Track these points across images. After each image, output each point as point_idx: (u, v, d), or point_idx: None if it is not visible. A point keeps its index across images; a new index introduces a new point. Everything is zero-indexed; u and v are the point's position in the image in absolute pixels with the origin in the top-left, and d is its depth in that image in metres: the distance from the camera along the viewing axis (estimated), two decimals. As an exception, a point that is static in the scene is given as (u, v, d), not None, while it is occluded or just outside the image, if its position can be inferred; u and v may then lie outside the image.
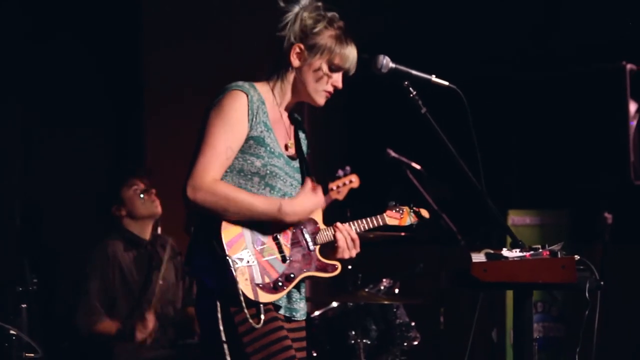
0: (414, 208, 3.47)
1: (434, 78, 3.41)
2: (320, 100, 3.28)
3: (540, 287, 3.16)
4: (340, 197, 5.26)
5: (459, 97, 3.39)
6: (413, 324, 4.89)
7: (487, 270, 3.06)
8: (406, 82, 3.37)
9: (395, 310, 4.85)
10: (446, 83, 3.41)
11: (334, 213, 5.45)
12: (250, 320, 2.99)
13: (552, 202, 6.39)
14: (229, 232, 3.05)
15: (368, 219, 3.40)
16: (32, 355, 3.09)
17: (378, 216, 3.42)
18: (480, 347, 5.51)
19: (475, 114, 5.74)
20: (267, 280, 3.07)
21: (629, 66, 5.12)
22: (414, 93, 3.38)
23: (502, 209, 6.13)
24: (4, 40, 4.81)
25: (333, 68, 3.24)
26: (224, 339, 3.01)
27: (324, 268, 3.23)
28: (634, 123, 5.17)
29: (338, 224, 3.31)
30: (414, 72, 3.38)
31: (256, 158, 3.13)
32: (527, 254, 3.12)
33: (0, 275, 3.62)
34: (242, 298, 2.97)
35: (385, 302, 4.73)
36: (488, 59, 6.45)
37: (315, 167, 6.49)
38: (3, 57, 4.83)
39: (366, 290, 4.76)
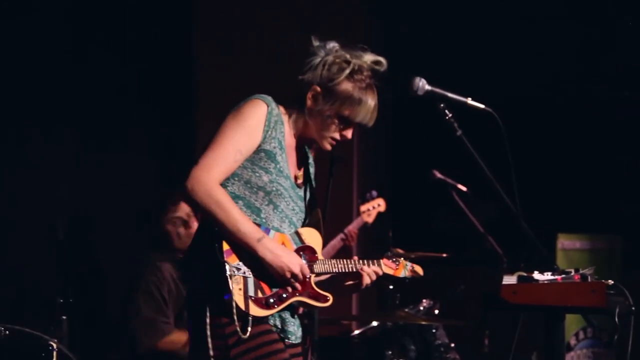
0: (411, 263, 3.45)
1: (469, 101, 3.40)
2: (326, 145, 3.24)
3: (570, 311, 3.14)
4: (370, 220, 5.36)
5: (495, 120, 3.39)
6: (453, 345, 4.88)
7: (517, 292, 3.07)
8: (442, 105, 3.37)
9: (434, 331, 4.85)
10: (482, 106, 3.40)
11: (377, 233, 5.51)
12: (240, 332, 2.98)
13: (604, 226, 6.32)
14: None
15: (367, 261, 3.30)
16: (69, 365, 3.16)
17: (375, 261, 3.32)
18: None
19: (526, 136, 5.73)
20: (260, 295, 3.05)
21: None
22: (450, 115, 3.38)
23: (551, 233, 6.10)
24: (53, 57, 4.94)
25: (342, 119, 3.20)
26: (210, 350, 2.99)
27: (316, 297, 3.17)
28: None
29: (356, 258, 3.30)
30: (449, 94, 3.38)
31: (265, 172, 3.12)
32: (559, 277, 3.11)
33: (42, 288, 3.71)
34: (234, 307, 2.96)
35: (424, 323, 4.73)
36: (540, 78, 6.43)
37: (362, 186, 6.57)
38: (53, 71, 4.95)
39: (405, 310, 4.77)
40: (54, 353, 3.13)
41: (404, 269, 3.40)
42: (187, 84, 6.09)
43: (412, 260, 4.88)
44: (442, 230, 6.62)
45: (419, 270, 3.46)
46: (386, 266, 3.32)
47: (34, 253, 4.45)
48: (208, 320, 3.00)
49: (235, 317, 2.96)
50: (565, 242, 6.19)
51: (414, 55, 6.43)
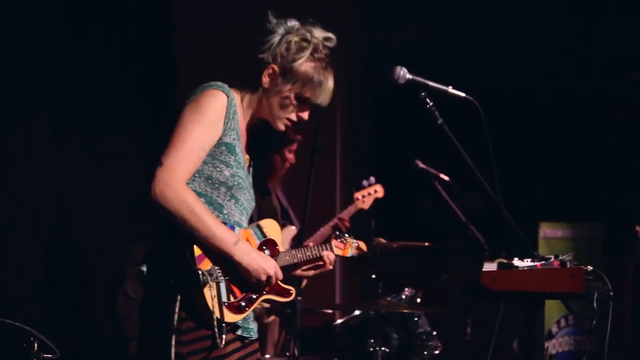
0: (357, 241, 3.40)
1: (450, 89, 3.42)
2: (280, 126, 3.14)
3: (549, 297, 3.17)
4: (366, 206, 5.34)
5: (475, 108, 3.40)
6: (435, 333, 4.91)
7: (496, 279, 3.08)
8: (423, 94, 3.38)
9: (416, 319, 4.88)
10: (463, 94, 3.42)
11: (360, 223, 5.52)
12: (218, 340, 2.89)
13: (585, 215, 6.36)
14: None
15: (318, 247, 3.27)
16: (50, 356, 3.15)
17: (327, 245, 3.28)
18: (503, 358, 5.51)
19: (508, 126, 5.75)
20: (232, 299, 2.97)
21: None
22: (431, 104, 3.39)
23: (533, 221, 6.14)
24: (32, 45, 4.90)
25: (302, 100, 3.11)
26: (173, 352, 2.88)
27: (281, 292, 3.13)
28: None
29: (311, 244, 3.28)
30: (430, 83, 3.39)
31: (226, 167, 3.02)
32: (538, 263, 3.14)
33: (25, 279, 3.70)
34: (214, 319, 2.88)
35: (406, 311, 4.76)
36: (525, 70, 6.46)
37: (346, 176, 6.59)
38: (33, 59, 4.92)
39: (388, 299, 4.79)
40: (35, 344, 3.10)
41: (350, 248, 3.38)
42: (170, 71, 6.07)
43: (395, 250, 4.94)
44: (426, 219, 6.66)
45: (363, 246, 3.45)
46: (336, 247, 3.30)
47: (17, 244, 4.45)
48: (175, 323, 2.89)
49: (216, 330, 2.88)
50: (547, 230, 6.23)
51: (396, 46, 6.47)
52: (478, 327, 5.48)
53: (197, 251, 2.92)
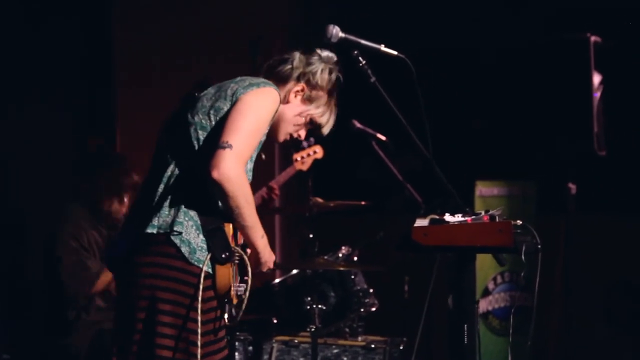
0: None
1: (383, 47, 3.44)
2: (280, 139, 3.34)
3: (479, 251, 3.23)
4: (305, 167, 5.35)
5: (407, 66, 3.43)
6: (371, 290, 4.97)
7: (428, 234, 3.14)
8: (356, 52, 3.41)
9: (353, 277, 4.93)
10: (395, 52, 3.44)
11: (298, 184, 5.54)
12: (226, 316, 3.05)
13: (519, 173, 6.45)
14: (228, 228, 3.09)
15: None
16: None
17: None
18: (439, 314, 5.60)
19: (444, 86, 5.79)
20: (236, 283, 3.13)
21: (593, 38, 5.17)
22: (364, 62, 3.41)
23: (469, 180, 6.21)
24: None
25: (312, 124, 3.34)
26: (199, 312, 2.97)
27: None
28: (597, 95, 5.22)
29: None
30: (363, 41, 3.41)
31: (250, 162, 3.14)
32: (469, 218, 3.19)
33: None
34: (231, 294, 3.04)
35: (342, 269, 4.80)
36: (454, 29, 6.49)
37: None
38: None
39: (325, 257, 4.83)
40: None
41: None
42: (107, 41, 6.02)
43: (332, 210, 4.96)
44: (366, 180, 6.69)
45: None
46: None
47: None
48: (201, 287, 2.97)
49: (227, 306, 3.06)
50: (483, 189, 6.29)
51: (332, 5, 6.44)
52: (415, 285, 5.54)
53: (231, 231, 3.06)
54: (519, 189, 6.37)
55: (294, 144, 5.31)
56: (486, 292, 6.13)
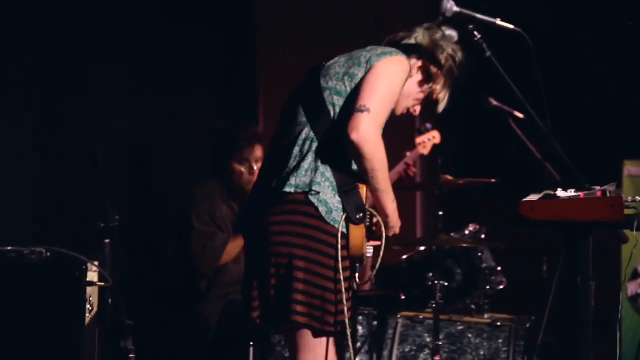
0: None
1: (498, 21, 3.40)
2: (398, 112, 3.37)
3: (587, 226, 3.13)
4: (426, 152, 5.40)
5: (525, 40, 3.37)
6: (499, 268, 4.91)
7: (535, 209, 3.09)
8: (471, 26, 3.38)
9: (480, 254, 4.89)
10: (511, 26, 3.39)
11: (427, 161, 5.52)
12: (356, 277, 3.15)
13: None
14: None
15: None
16: (103, 283, 3.30)
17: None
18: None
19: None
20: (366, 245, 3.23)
21: None
22: (479, 37, 3.38)
23: (618, 159, 6.00)
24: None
25: (429, 100, 3.40)
26: (341, 272, 3.06)
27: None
28: None
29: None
30: (478, 15, 3.37)
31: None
32: (582, 193, 3.11)
33: (87, 214, 3.85)
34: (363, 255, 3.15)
35: (467, 246, 4.78)
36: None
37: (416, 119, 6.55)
38: (116, 6, 5.05)
39: (451, 234, 4.81)
40: (90, 273, 3.23)
41: None
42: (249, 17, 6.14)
43: (462, 187, 4.92)
44: (510, 159, 6.57)
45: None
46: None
47: (77, 179, 4.64)
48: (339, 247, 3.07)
49: (358, 267, 3.18)
50: (631, 168, 6.07)
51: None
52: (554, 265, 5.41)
53: (365, 193, 3.14)
54: (670, 169, 6.10)
55: (418, 129, 5.38)
56: (635, 275, 5.93)
